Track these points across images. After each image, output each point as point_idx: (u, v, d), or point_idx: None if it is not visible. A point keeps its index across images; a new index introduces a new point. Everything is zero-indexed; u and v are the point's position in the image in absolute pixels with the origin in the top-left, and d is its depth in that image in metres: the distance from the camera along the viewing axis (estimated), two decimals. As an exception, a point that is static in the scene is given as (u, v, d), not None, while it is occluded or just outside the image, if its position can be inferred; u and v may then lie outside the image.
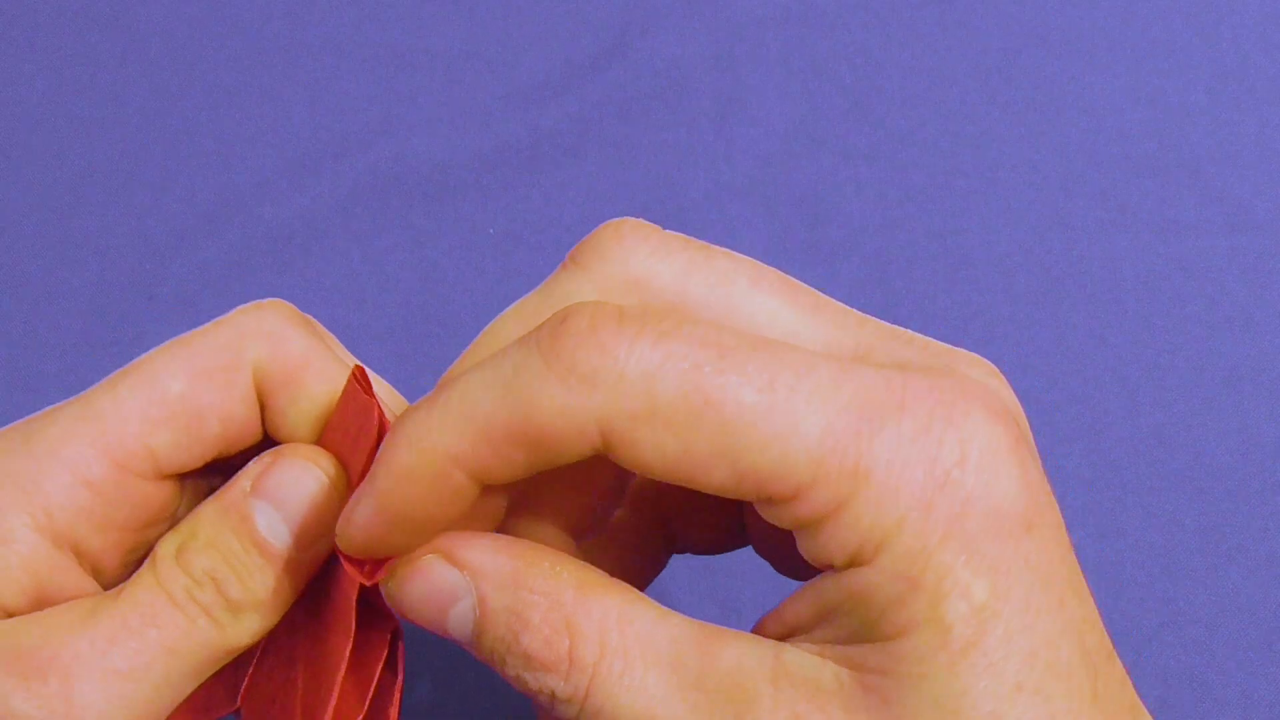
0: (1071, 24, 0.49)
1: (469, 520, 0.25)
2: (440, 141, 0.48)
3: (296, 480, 0.26)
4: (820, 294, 0.27)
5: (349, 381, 0.27)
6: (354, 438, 0.26)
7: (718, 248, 0.26)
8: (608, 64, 0.49)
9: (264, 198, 0.47)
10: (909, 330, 0.26)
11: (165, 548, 0.26)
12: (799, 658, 0.23)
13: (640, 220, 0.26)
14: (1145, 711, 0.24)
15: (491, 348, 0.26)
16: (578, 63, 0.49)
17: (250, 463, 0.27)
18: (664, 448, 0.22)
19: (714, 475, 0.23)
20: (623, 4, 0.50)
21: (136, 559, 0.28)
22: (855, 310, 0.26)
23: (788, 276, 0.26)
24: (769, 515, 0.24)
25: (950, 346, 0.26)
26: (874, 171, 0.47)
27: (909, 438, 0.23)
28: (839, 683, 0.23)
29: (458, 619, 0.24)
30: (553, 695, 0.24)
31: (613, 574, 0.26)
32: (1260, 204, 0.46)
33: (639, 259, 0.26)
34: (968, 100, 0.48)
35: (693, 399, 0.22)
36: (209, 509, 0.26)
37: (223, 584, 0.25)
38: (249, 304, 0.28)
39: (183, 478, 0.28)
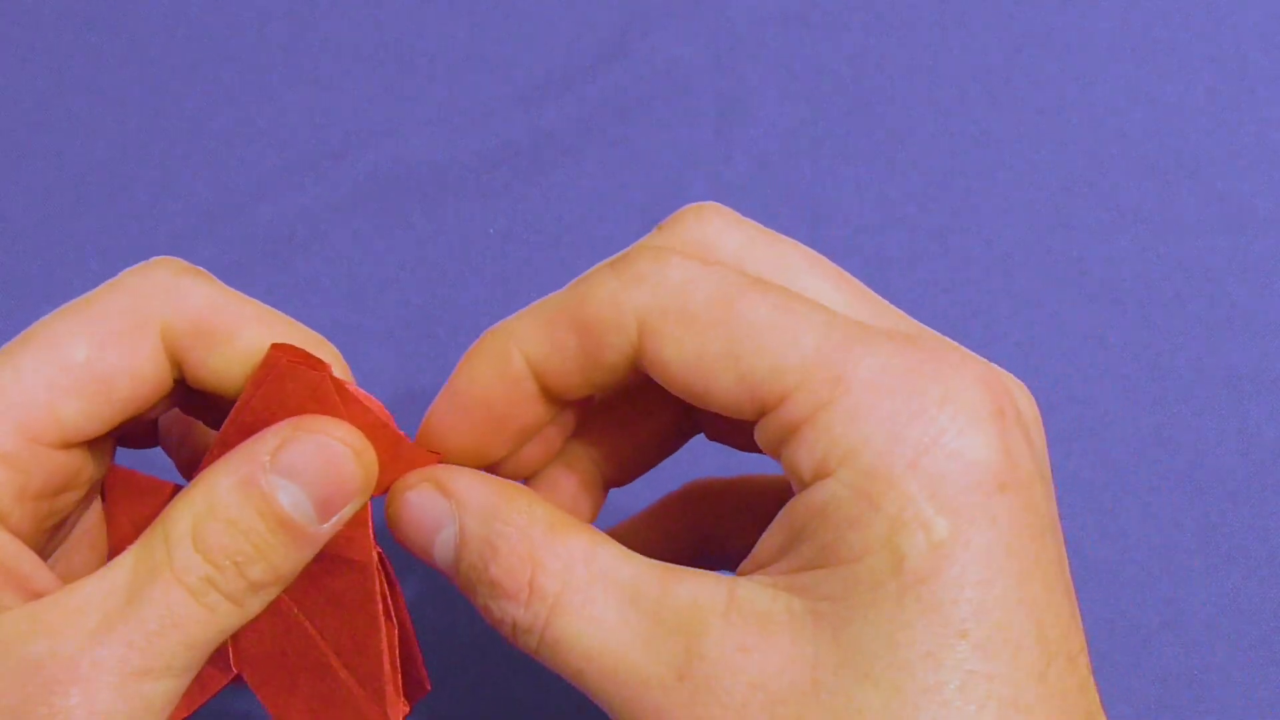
0: (1071, 24, 0.49)
1: (531, 448, 0.28)
2: (440, 141, 0.48)
3: (320, 453, 0.26)
4: (870, 290, 0.28)
5: (272, 358, 0.27)
6: (298, 401, 0.27)
7: (784, 237, 0.28)
8: (608, 64, 0.49)
9: (264, 198, 0.47)
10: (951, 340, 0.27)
11: (178, 526, 0.25)
12: (753, 591, 0.24)
13: (721, 206, 0.29)
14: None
15: None
16: (578, 63, 0.49)
17: (265, 433, 0.26)
18: (684, 346, 0.25)
19: (720, 379, 0.25)
20: (623, 4, 0.50)
21: (49, 525, 0.28)
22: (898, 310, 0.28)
23: (842, 270, 0.28)
24: (763, 438, 0.25)
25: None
26: (874, 171, 0.47)
27: (896, 370, 0.24)
28: (790, 613, 0.24)
29: (442, 545, 0.26)
30: (514, 625, 0.25)
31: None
32: (1260, 204, 0.46)
33: (712, 228, 0.28)
34: (968, 100, 0.48)
35: (718, 306, 0.25)
36: (224, 484, 0.25)
37: (245, 566, 0.25)
38: (135, 266, 0.27)
39: (91, 442, 0.28)
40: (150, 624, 0.24)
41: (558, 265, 0.46)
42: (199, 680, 0.27)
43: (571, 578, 0.25)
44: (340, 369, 0.28)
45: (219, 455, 0.27)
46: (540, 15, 0.50)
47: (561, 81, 0.48)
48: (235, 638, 0.28)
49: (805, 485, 0.24)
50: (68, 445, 0.27)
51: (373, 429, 0.27)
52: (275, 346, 0.27)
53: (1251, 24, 0.49)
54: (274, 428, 0.26)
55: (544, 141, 0.47)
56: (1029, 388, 0.26)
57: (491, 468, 0.29)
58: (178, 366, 0.27)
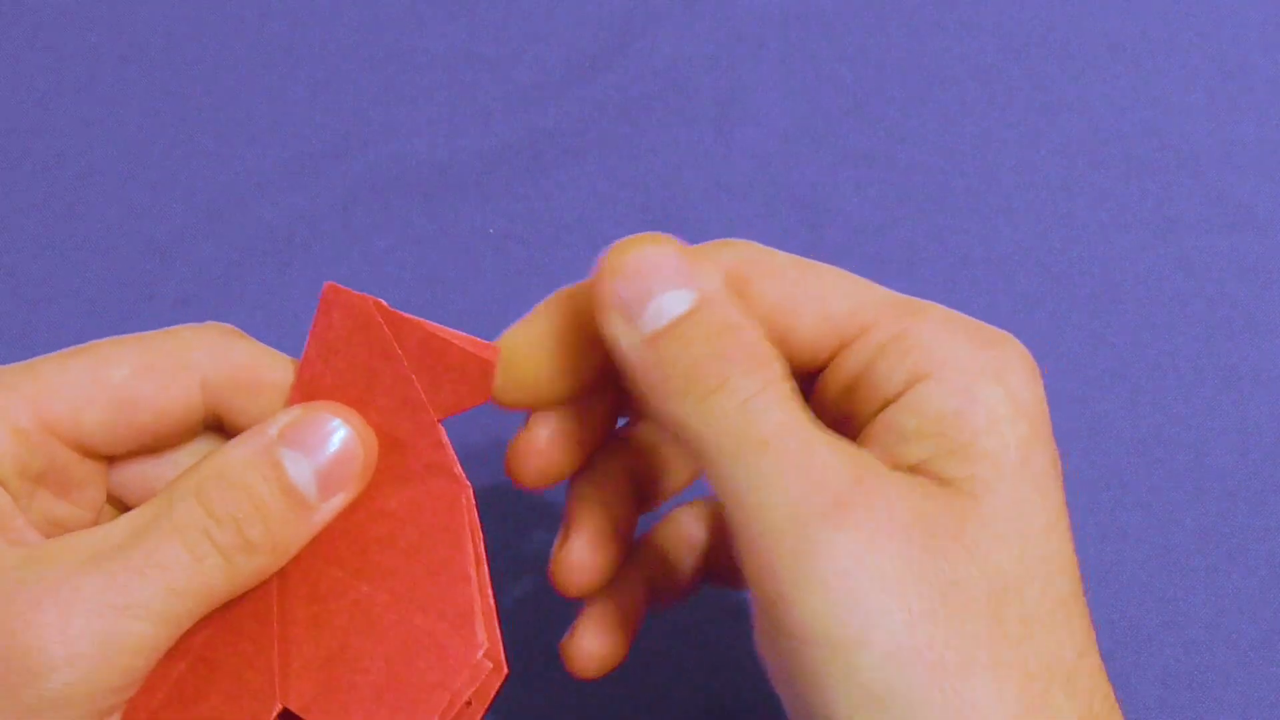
0: (1071, 24, 0.49)
1: (555, 460, 0.30)
2: (440, 141, 0.48)
3: (327, 432, 0.28)
4: None
5: (323, 298, 0.29)
6: (347, 341, 0.28)
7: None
8: (608, 64, 0.49)
9: (264, 198, 0.47)
10: None
11: (182, 486, 0.27)
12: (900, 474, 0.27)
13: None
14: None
15: None
16: (578, 63, 0.49)
17: (278, 414, 0.28)
18: (768, 291, 0.28)
19: (805, 318, 0.28)
20: (623, 4, 0.50)
21: (44, 522, 0.29)
22: None
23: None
24: (841, 371, 0.28)
25: None
26: (874, 171, 0.47)
27: (959, 317, 0.28)
28: (940, 490, 0.26)
29: (666, 303, 0.27)
30: (724, 383, 0.26)
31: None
32: (1260, 204, 0.46)
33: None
34: (968, 100, 0.48)
35: (798, 264, 0.29)
36: (235, 452, 0.27)
37: (245, 525, 0.27)
38: (190, 324, 0.30)
39: (110, 463, 0.30)
40: (135, 562, 0.26)
41: (558, 265, 0.46)
42: None
43: (784, 386, 0.27)
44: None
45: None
46: (540, 15, 0.50)
47: (561, 81, 0.48)
48: (284, 666, 0.28)
49: (894, 397, 0.27)
50: (83, 452, 0.29)
51: (424, 341, 0.28)
52: (328, 285, 0.29)
53: (1251, 24, 0.49)
54: (284, 410, 0.28)
55: (544, 141, 0.47)
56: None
57: (520, 468, 0.31)
58: (214, 414, 0.30)
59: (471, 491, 0.28)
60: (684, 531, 0.34)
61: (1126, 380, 0.44)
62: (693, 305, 0.27)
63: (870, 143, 0.47)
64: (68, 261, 0.46)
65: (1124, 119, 0.48)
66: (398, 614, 0.27)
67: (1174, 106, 0.48)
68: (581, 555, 0.33)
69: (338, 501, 0.28)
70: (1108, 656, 0.40)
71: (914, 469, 0.27)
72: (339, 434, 0.28)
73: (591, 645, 0.33)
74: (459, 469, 0.28)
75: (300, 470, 0.27)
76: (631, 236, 0.28)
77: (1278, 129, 0.47)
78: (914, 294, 0.45)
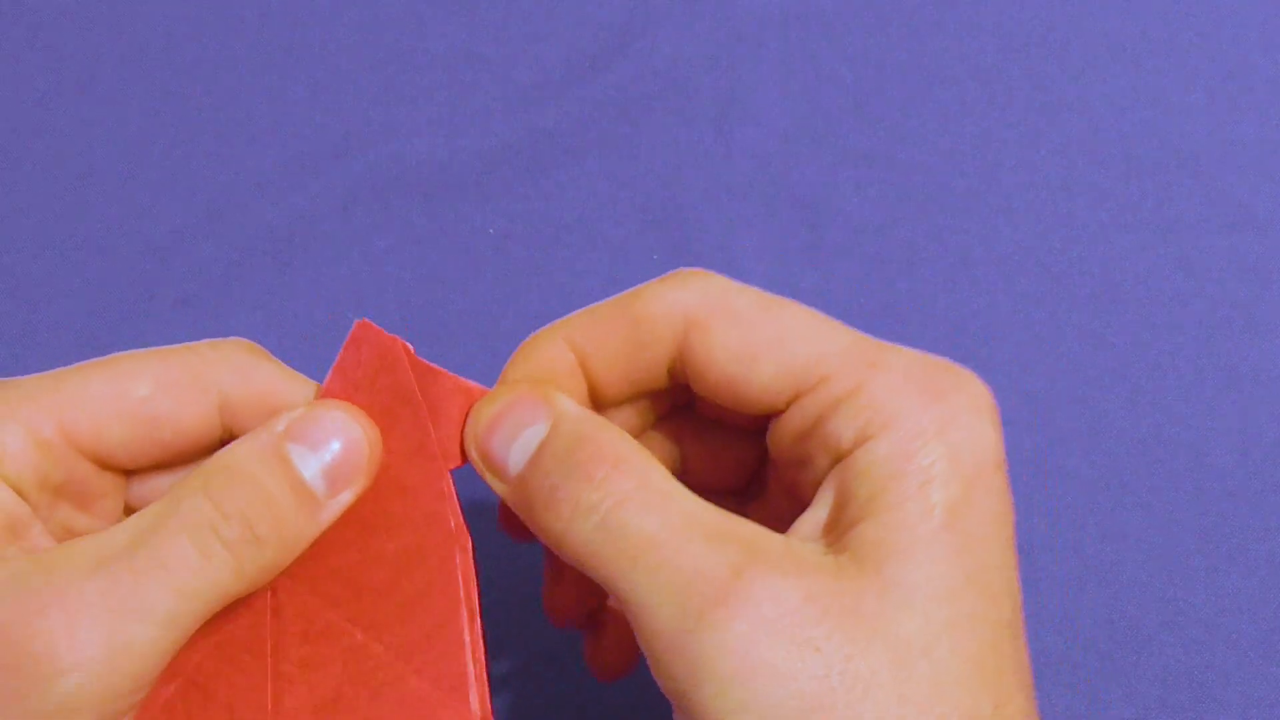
0: (1071, 24, 0.49)
1: None
2: (440, 141, 0.48)
3: (334, 429, 0.28)
4: None
5: (353, 334, 0.29)
6: (371, 379, 0.29)
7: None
8: (608, 64, 0.49)
9: (264, 198, 0.47)
10: None
11: (188, 484, 0.27)
12: (805, 545, 0.27)
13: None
14: (1033, 692, 0.28)
15: None
16: (578, 63, 0.49)
17: (284, 414, 0.28)
18: (729, 337, 0.29)
19: (763, 366, 0.28)
20: (623, 4, 0.50)
21: (64, 533, 0.29)
22: None
23: None
24: (790, 426, 0.29)
25: None
26: (874, 171, 0.47)
27: (918, 363, 0.28)
28: (837, 564, 0.27)
29: (527, 439, 0.28)
30: (576, 505, 0.27)
31: None
32: (1260, 204, 0.46)
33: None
34: (968, 100, 0.48)
35: (759, 307, 0.29)
36: (241, 449, 0.28)
37: (254, 521, 0.27)
38: (213, 340, 0.30)
39: (128, 475, 0.30)
40: (140, 565, 0.26)
41: (558, 265, 0.46)
42: None
43: (648, 483, 0.27)
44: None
45: None
46: (540, 15, 0.50)
47: (561, 81, 0.48)
48: (277, 703, 0.28)
49: (844, 454, 0.28)
50: (103, 466, 0.29)
51: (449, 392, 0.29)
52: (360, 322, 0.29)
53: (1251, 24, 0.49)
54: (288, 409, 0.29)
55: (544, 141, 0.47)
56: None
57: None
58: (231, 432, 0.30)
59: (470, 543, 0.28)
60: None
61: (1126, 380, 0.44)
62: (546, 434, 0.28)
63: (870, 143, 0.47)
64: (68, 261, 0.46)
65: (1124, 119, 0.48)
66: (394, 672, 0.27)
67: (1174, 106, 0.48)
68: (567, 595, 0.33)
69: (345, 498, 0.28)
70: (1107, 656, 0.40)
71: (846, 532, 0.27)
72: (344, 431, 0.28)
73: (604, 660, 0.34)
74: (458, 520, 0.28)
75: (308, 464, 0.28)
76: (486, 395, 0.29)
77: (1278, 129, 0.47)
78: (914, 294, 0.46)
